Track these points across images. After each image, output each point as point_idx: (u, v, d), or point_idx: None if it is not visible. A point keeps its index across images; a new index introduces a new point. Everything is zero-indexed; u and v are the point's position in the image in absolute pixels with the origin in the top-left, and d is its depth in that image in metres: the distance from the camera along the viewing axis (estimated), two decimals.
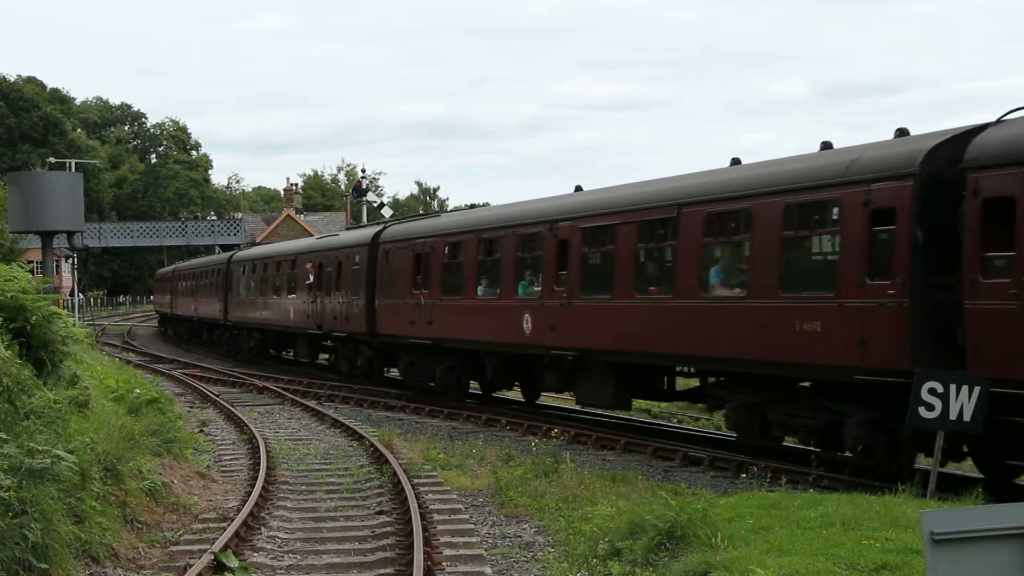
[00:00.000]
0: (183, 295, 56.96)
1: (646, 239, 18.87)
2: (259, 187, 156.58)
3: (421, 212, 40.58)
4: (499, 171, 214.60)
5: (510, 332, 22.52)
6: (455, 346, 25.28)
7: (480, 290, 24.19)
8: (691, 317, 17.38)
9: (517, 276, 22.75)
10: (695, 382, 19.85)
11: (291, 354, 41.01)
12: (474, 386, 27.12)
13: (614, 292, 19.36)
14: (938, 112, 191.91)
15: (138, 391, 18.87)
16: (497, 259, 23.64)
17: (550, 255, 21.35)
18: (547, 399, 27.68)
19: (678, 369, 19.61)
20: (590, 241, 20.40)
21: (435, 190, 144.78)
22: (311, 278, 33.65)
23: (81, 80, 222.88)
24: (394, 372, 31.65)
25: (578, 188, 23.24)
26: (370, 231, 31.02)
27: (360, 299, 29.64)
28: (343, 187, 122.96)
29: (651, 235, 18.79)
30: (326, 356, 36.01)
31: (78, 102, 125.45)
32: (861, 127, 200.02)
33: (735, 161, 18.61)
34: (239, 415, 23.34)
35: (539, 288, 21.79)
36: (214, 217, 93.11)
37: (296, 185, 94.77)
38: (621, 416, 23.53)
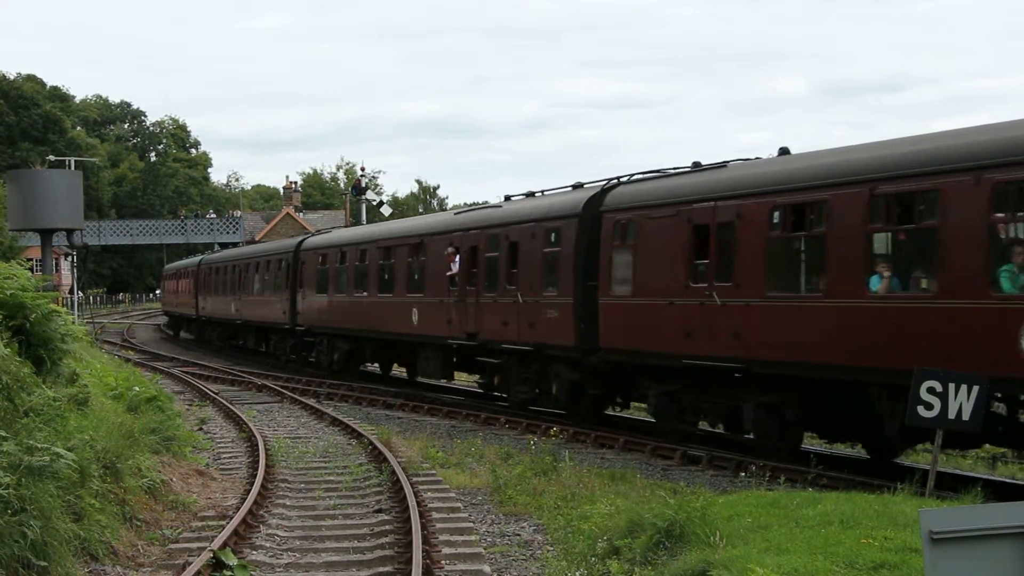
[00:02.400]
0: (216, 293, 49.21)
1: None
2: (258, 185, 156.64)
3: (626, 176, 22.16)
4: (499, 169, 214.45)
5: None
6: (783, 373, 16.09)
7: (880, 283, 14.50)
8: None
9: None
10: None
11: (403, 371, 33.15)
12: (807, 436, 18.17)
13: None
14: (939, 112, 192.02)
15: (137, 389, 18.87)
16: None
17: None
18: None
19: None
20: None
21: (435, 188, 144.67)
22: (454, 267, 24.93)
23: (81, 78, 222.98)
24: (617, 408, 23.27)
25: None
26: (577, 196, 21.25)
27: (563, 296, 20.75)
28: (342, 185, 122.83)
29: None
30: (478, 378, 26.22)
31: (78, 100, 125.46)
32: (862, 126, 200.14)
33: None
34: (238, 413, 23.34)
35: None
36: (213, 215, 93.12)
37: (295, 183, 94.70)
38: (621, 415, 23.50)
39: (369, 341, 31.30)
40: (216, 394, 27.64)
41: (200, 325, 54.36)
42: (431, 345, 26.73)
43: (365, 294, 30.53)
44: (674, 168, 19.88)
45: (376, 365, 33.80)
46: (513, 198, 25.08)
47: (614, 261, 19.52)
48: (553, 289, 21.11)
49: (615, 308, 19.51)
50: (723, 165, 18.31)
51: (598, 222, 20.02)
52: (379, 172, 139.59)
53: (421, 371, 28.64)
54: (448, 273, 25.10)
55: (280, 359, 39.12)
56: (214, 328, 50.98)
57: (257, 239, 67.43)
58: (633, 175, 20.57)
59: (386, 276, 29.18)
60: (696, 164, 19.13)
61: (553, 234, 21.31)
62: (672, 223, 18.11)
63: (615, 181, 20.67)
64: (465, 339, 24.48)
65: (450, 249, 25.15)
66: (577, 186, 22.33)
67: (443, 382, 29.84)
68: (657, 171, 20.42)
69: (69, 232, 41.09)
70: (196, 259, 57.51)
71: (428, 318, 26.28)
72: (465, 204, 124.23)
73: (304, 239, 38.21)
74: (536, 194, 24.01)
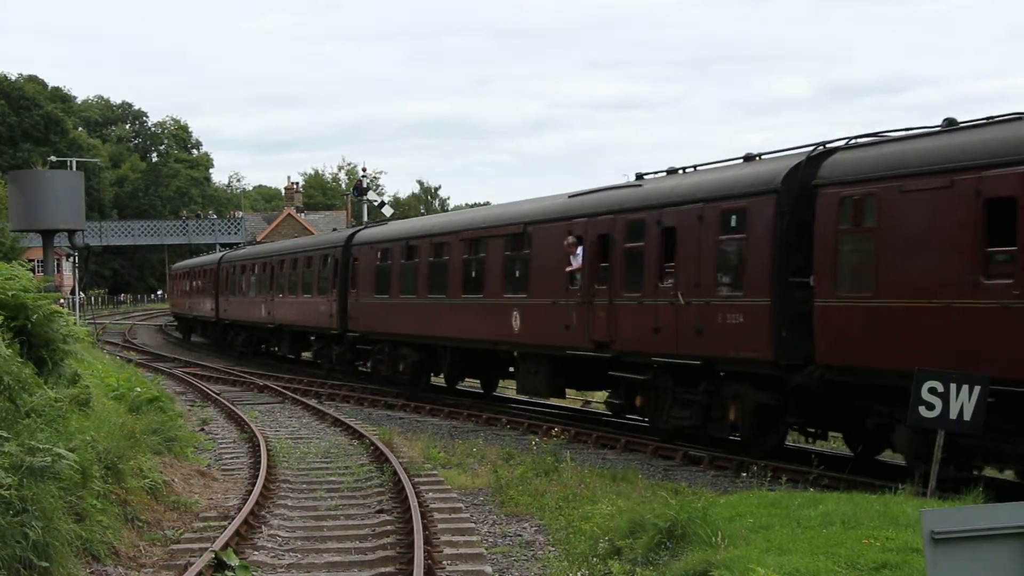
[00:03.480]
0: (242, 294, 43.69)
1: None
2: (259, 186, 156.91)
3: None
4: (501, 170, 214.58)
5: None
6: None
7: None
8: None
9: None
10: None
11: (475, 383, 29.31)
12: None
13: None
14: (941, 112, 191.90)
15: (139, 390, 18.89)
16: None
17: None
18: None
19: None
20: None
21: (436, 189, 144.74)
22: (576, 260, 20.42)
23: (82, 79, 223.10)
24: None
25: None
26: (771, 168, 16.64)
27: (753, 296, 16.21)
28: (344, 186, 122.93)
29: None
30: (606, 396, 21.08)
31: (79, 101, 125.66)
32: (865, 126, 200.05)
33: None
34: (240, 414, 23.34)
35: None
36: (214, 216, 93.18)
37: (297, 184, 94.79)
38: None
39: (446, 350, 26.30)
40: (218, 395, 27.64)
41: (220, 329, 48.41)
42: (537, 356, 22.03)
43: (443, 296, 25.56)
44: (911, 129, 15.18)
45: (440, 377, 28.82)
46: (648, 176, 20.10)
47: (841, 250, 14.85)
48: (734, 287, 16.59)
49: (845, 313, 14.74)
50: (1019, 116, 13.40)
51: (809, 199, 15.36)
52: (380, 173, 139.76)
53: (522, 387, 23.47)
54: (568, 269, 20.51)
55: (323, 368, 34.68)
56: (238, 332, 45.36)
57: (258, 239, 67.30)
58: (852, 138, 15.88)
59: (473, 274, 24.54)
60: (950, 122, 14.38)
61: (734, 217, 16.62)
62: (946, 198, 13.39)
63: (821, 148, 16.01)
64: (591, 349, 19.79)
65: (570, 239, 20.46)
66: (749, 158, 17.96)
67: (549, 400, 25.05)
68: (876, 134, 15.79)
69: (71, 233, 41.03)
70: (215, 256, 52.19)
71: (534, 323, 21.73)
72: (466, 204, 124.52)
73: (356, 231, 33.03)
74: (680, 171, 19.40)
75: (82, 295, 62.72)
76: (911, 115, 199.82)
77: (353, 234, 32.74)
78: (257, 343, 43.64)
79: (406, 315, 27.69)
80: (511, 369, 25.08)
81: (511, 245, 22.91)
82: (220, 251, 60.06)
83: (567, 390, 24.13)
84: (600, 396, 24.72)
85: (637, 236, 18.81)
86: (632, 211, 19.10)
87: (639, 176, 20.36)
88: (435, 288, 26.13)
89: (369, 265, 30.29)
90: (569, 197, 21.78)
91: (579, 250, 20.29)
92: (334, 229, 47.40)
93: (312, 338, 36.25)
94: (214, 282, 48.50)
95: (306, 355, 39.57)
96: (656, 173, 20.06)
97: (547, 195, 23.44)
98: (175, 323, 65.03)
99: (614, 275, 19.26)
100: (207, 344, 52.70)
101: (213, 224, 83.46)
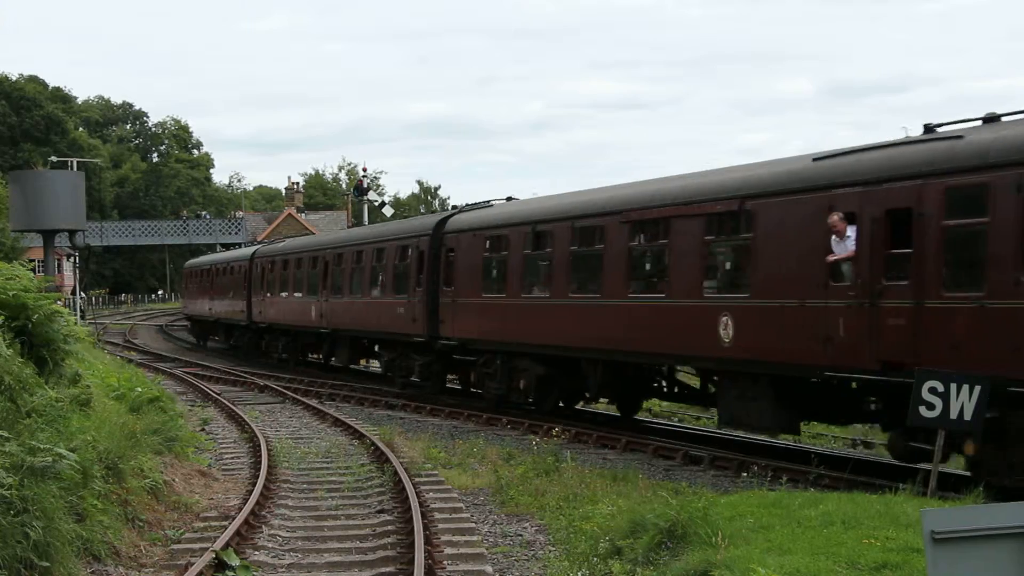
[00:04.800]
0: (284, 293, 38.13)
1: None
2: (260, 186, 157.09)
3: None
4: (503, 170, 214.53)
5: None
6: None
7: None
8: None
9: None
10: None
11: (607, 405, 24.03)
12: None
13: None
14: (943, 112, 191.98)
15: (139, 390, 18.88)
16: None
17: None
18: None
19: None
20: None
21: (436, 189, 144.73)
22: (845, 245, 14.85)
23: (83, 79, 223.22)
24: None
25: None
26: None
27: None
28: (344, 186, 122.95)
29: None
30: (895, 439, 14.56)
31: (80, 101, 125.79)
32: (867, 127, 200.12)
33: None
34: (240, 414, 23.34)
35: None
36: (207, 215, 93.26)
37: (297, 184, 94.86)
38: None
39: (595, 365, 20.60)
40: (218, 395, 27.65)
41: (253, 334, 42.27)
42: (763, 378, 16.39)
43: (595, 295, 19.90)
44: None
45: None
46: (942, 127, 14.52)
47: None
48: None
49: None
50: None
51: None
52: (381, 173, 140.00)
53: (728, 416, 17.45)
54: (831, 258, 14.90)
55: (396, 381, 29.13)
56: (276, 338, 39.49)
57: (259, 239, 67.16)
58: None
59: (648, 266, 19.43)
60: None
61: None
62: None
63: None
64: (874, 371, 14.22)
65: (835, 216, 14.84)
66: None
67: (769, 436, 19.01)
68: None
69: (71, 233, 41.10)
70: (245, 251, 46.38)
71: (759, 332, 16.15)
72: (467, 205, 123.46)
73: (449, 216, 26.79)
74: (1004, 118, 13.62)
75: (83, 296, 62.71)
76: (916, 116, 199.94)
77: (444, 219, 26.55)
78: (302, 350, 38.08)
79: (532, 319, 22.02)
80: (655, 385, 21.10)
81: (717, 227, 17.31)
82: (220, 251, 59.71)
83: (801, 424, 18.00)
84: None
85: (974, 208, 13.10)
86: (959, 173, 13.28)
87: (928, 128, 14.79)
88: (581, 285, 20.59)
89: (472, 258, 24.46)
90: (813, 160, 16.04)
91: (852, 232, 14.76)
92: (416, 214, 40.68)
93: (377, 347, 30.90)
94: (245, 280, 42.49)
95: (370, 365, 35.41)
96: (963, 122, 14.26)
97: (768, 160, 17.96)
98: (188, 326, 59.60)
99: (923, 265, 13.57)
100: (227, 350, 47.32)
101: (214, 224, 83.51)
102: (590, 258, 20.41)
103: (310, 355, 38.21)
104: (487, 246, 23.95)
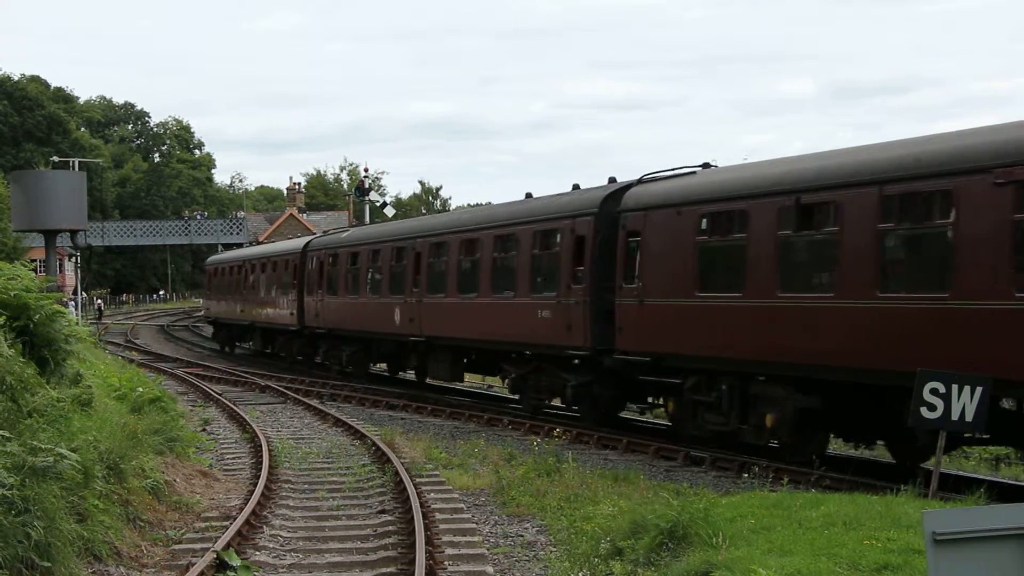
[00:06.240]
0: (353, 293, 31.71)
1: None
2: (261, 186, 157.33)
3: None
4: (505, 170, 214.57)
5: None
6: None
7: None
8: None
9: None
10: None
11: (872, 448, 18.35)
12: None
13: None
14: (945, 112, 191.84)
15: (141, 390, 18.89)
16: None
17: None
18: None
19: None
20: None
21: (438, 189, 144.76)
22: None
23: (84, 79, 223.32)
24: None
25: None
26: None
27: None
28: (346, 186, 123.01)
29: None
30: None
31: (82, 101, 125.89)
32: (870, 127, 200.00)
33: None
34: (241, 414, 23.34)
35: None
36: (203, 215, 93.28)
37: (299, 184, 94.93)
38: (623, 416, 23.23)
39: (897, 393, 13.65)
40: (219, 395, 27.64)
41: (306, 341, 36.38)
42: None
43: (939, 295, 13.28)
44: None
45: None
46: None
47: None
48: None
49: None
50: None
51: None
52: (382, 173, 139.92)
53: None
54: None
55: (526, 405, 23.08)
56: (338, 346, 33.46)
57: (261, 240, 67.01)
58: None
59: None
60: None
61: None
62: None
63: None
64: None
65: None
66: None
67: None
68: None
69: (73, 233, 41.08)
70: (293, 243, 40.09)
71: None
72: (468, 205, 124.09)
73: (625, 188, 19.92)
74: None
75: (84, 296, 62.72)
76: (918, 116, 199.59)
77: (616, 193, 19.91)
78: (379, 361, 32.38)
79: (794, 328, 15.57)
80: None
81: None
82: (221, 251, 59.22)
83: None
84: None
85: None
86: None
87: None
88: (902, 280, 14.25)
89: (674, 242, 18.03)
90: None
91: None
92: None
93: (504, 364, 23.88)
94: (295, 277, 36.46)
95: (488, 384, 30.00)
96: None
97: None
98: (212, 329, 52.54)
99: None
100: (256, 357, 41.96)
101: (215, 224, 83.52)
102: (924, 240, 14.03)
103: (377, 366, 32.90)
104: (704, 226, 17.45)
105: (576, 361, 20.74)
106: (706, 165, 19.34)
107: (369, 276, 30.73)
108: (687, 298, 17.73)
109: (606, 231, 19.75)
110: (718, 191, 17.43)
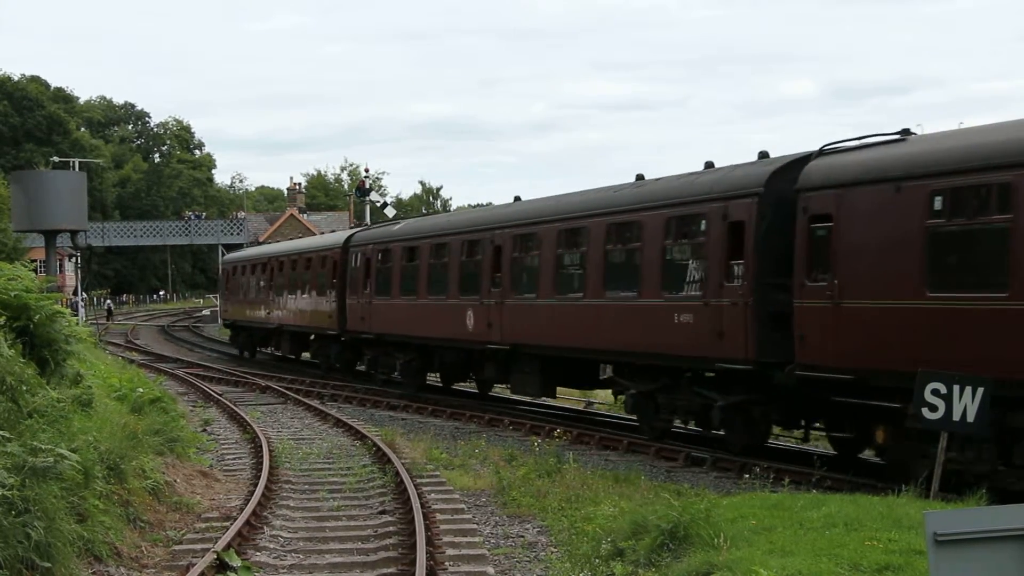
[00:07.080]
0: (411, 294, 27.42)
1: None
2: (262, 187, 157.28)
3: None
4: (506, 171, 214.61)
5: None
6: None
7: None
8: None
9: None
10: None
11: None
12: None
13: None
14: (947, 112, 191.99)
15: (141, 390, 18.88)
16: None
17: None
18: None
19: None
20: None
21: (438, 190, 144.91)
22: None
23: (85, 79, 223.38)
24: None
25: None
26: None
27: None
28: (347, 187, 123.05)
29: None
30: None
31: (82, 101, 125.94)
32: (871, 128, 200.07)
33: None
34: (242, 414, 23.33)
35: None
36: (200, 215, 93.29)
37: (299, 185, 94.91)
38: (623, 416, 23.12)
39: None
40: (220, 395, 27.63)
41: (346, 347, 32.49)
42: None
43: None
44: None
45: None
46: None
47: None
48: None
49: None
50: None
51: None
52: (383, 173, 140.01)
53: None
54: None
55: (644, 428, 19.38)
56: (391, 353, 29.56)
57: (261, 240, 66.93)
58: None
59: None
60: None
61: None
62: None
63: None
64: None
65: None
66: None
67: None
68: None
69: (73, 233, 41.14)
70: (330, 237, 35.85)
71: None
72: (469, 206, 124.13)
73: (802, 161, 16.07)
74: None
75: (84, 296, 62.70)
76: (919, 117, 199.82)
77: (786, 167, 16.27)
78: (440, 372, 28.38)
79: None
80: None
81: None
82: (223, 252, 58.82)
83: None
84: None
85: None
86: None
87: None
88: None
89: (887, 227, 14.12)
90: None
91: None
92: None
93: (620, 379, 20.29)
94: (334, 276, 32.35)
95: (589, 400, 26.99)
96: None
97: None
98: (230, 332, 47.80)
99: None
100: (282, 363, 38.90)
101: (215, 225, 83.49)
102: None
103: (436, 377, 28.67)
104: (938, 206, 13.42)
105: (720, 376, 17.10)
106: (906, 132, 15.20)
107: (431, 274, 26.53)
108: (914, 299, 13.59)
109: (773, 215, 15.98)
110: (962, 158, 13.26)
